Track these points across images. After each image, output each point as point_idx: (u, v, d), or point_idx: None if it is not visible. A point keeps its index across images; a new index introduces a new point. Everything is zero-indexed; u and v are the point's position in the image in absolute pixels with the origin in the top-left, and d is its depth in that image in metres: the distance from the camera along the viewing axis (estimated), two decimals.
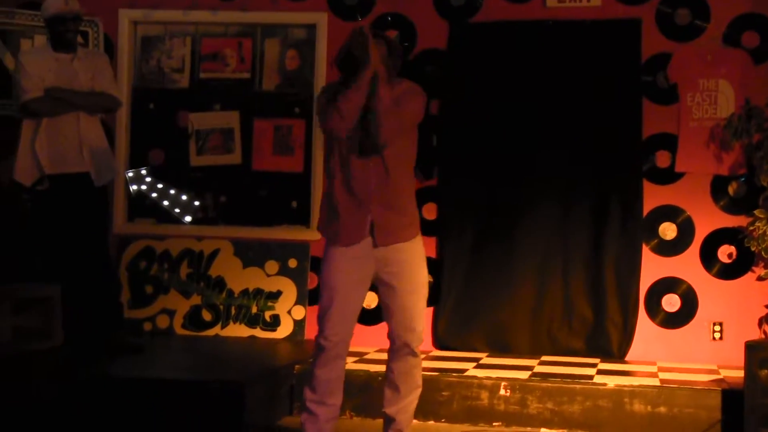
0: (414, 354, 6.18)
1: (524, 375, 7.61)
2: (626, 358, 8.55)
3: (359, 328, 8.79)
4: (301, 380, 7.52)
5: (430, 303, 8.59)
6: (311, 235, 9.02)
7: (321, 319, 6.09)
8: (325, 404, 6.13)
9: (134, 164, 9.23)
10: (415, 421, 7.25)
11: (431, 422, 7.41)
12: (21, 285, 6.70)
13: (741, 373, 7.10)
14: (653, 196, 8.64)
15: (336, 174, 6.04)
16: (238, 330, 9.04)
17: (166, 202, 9.20)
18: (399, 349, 6.17)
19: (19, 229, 8.29)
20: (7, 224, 8.42)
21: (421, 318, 6.19)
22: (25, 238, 8.12)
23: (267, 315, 9.03)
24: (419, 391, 6.29)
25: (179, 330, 9.08)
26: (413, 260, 6.16)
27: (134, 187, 9.16)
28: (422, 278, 6.19)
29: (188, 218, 9.24)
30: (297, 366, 7.72)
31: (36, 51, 8.35)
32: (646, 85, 8.66)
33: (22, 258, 8.06)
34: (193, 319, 9.10)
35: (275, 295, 9.03)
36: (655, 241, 8.65)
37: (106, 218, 8.55)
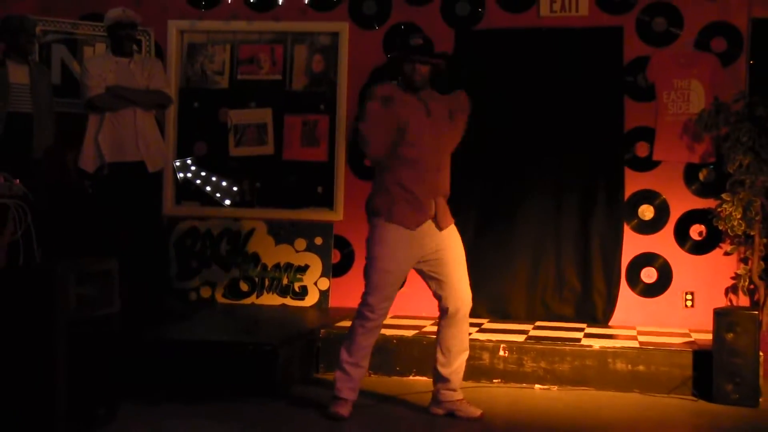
0: (465, 318, 6.32)
1: (521, 338, 7.65)
2: (610, 323, 8.58)
3: None
4: (327, 343, 7.62)
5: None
6: (335, 216, 9.09)
7: (369, 295, 6.19)
8: (359, 366, 6.27)
9: (181, 155, 9.26)
10: (423, 378, 7.36)
11: None
12: (84, 258, 6.73)
13: (710, 336, 7.16)
14: (633, 182, 8.66)
15: (403, 162, 6.13)
16: (271, 299, 9.09)
17: (208, 188, 9.22)
18: (453, 315, 6.28)
19: (82, 209, 8.35)
20: (73, 206, 8.48)
21: (468, 285, 6.32)
22: (87, 217, 8.18)
23: (296, 286, 9.07)
24: (467, 353, 6.42)
25: (220, 299, 9.14)
26: (457, 237, 6.33)
27: (181, 174, 9.21)
28: (463, 251, 6.34)
29: (228, 202, 9.28)
30: (322, 330, 7.77)
31: (98, 56, 8.42)
32: (628, 84, 8.66)
33: (85, 235, 8.12)
34: (231, 290, 9.15)
35: (303, 269, 9.08)
36: (635, 221, 8.67)
37: (158, 201, 8.61)
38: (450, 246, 6.28)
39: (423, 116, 6.18)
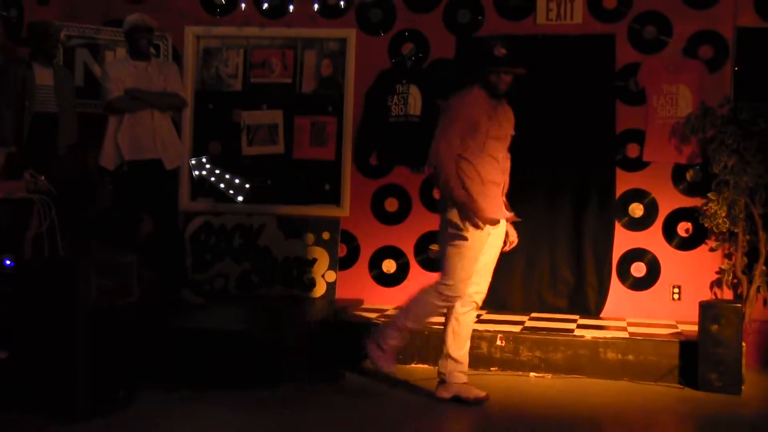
0: (478, 307, 6.58)
1: (517, 328, 7.68)
2: (601, 315, 8.57)
3: (380, 290, 8.93)
4: (334, 331, 7.66)
5: (437, 269, 8.72)
6: (341, 212, 9.09)
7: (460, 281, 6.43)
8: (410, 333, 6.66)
9: (197, 153, 9.26)
10: (425, 366, 7.39)
11: None
12: (105, 252, 6.79)
13: (695, 328, 7.18)
14: (624, 181, 8.65)
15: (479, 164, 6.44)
16: (280, 291, 9.09)
17: (222, 185, 9.23)
18: (467, 303, 6.48)
19: (104, 206, 8.39)
20: (94, 202, 8.51)
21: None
22: (108, 213, 8.22)
23: (304, 278, 9.10)
24: (469, 342, 6.64)
25: (232, 290, 9.16)
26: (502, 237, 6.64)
27: (196, 172, 9.22)
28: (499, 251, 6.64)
29: (240, 198, 9.30)
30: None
31: (117, 61, 8.43)
32: (619, 89, 8.64)
33: (107, 229, 8.16)
34: (243, 282, 9.18)
35: (311, 262, 9.06)
36: (626, 218, 8.67)
37: (174, 197, 8.62)
38: (494, 244, 6.57)
39: (503, 121, 6.58)
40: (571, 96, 8.64)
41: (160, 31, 8.57)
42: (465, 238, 6.30)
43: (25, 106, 7.70)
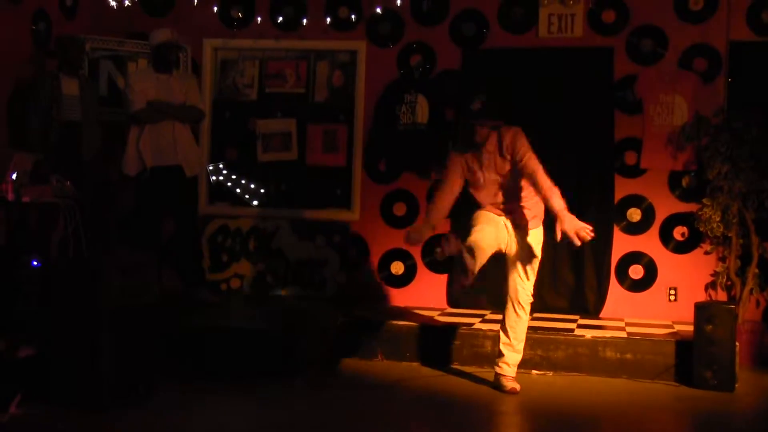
0: (516, 309, 6.74)
1: None
2: (600, 315, 8.56)
3: (389, 290, 8.90)
4: (344, 330, 7.66)
5: (443, 271, 8.71)
6: (352, 216, 9.09)
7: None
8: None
9: (214, 160, 9.27)
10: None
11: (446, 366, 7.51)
12: (126, 253, 6.79)
13: (691, 328, 7.17)
14: (623, 187, 8.64)
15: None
16: (293, 291, 9.10)
17: (238, 190, 9.24)
18: (505, 304, 6.79)
19: (126, 210, 8.39)
20: (116, 206, 8.52)
21: (529, 283, 6.76)
22: (131, 217, 8.22)
23: (316, 279, 9.10)
24: (523, 344, 6.84)
25: (247, 290, 9.16)
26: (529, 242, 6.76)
27: (214, 177, 9.23)
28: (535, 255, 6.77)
29: (255, 202, 9.30)
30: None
31: (141, 72, 8.41)
32: (618, 99, 8.62)
33: (129, 231, 8.17)
34: (258, 282, 9.18)
35: (323, 263, 9.09)
36: (624, 222, 8.65)
37: (195, 201, 8.63)
38: (520, 247, 6.75)
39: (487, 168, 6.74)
40: (571, 106, 8.62)
41: (179, 43, 8.57)
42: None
43: (52, 115, 7.71)
